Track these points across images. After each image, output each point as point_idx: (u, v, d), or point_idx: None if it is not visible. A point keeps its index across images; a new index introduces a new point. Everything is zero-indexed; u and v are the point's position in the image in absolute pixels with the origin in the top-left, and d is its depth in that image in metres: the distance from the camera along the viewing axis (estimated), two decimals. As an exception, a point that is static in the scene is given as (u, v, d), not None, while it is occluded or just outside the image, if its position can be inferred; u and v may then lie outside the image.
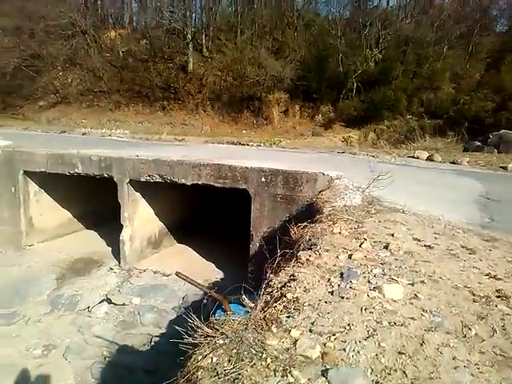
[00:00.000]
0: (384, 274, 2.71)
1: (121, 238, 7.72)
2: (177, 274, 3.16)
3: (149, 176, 7.42)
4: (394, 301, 2.34)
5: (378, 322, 2.09)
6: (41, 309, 6.36)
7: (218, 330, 2.52)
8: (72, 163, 7.99)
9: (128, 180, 7.60)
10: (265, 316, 2.62)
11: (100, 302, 6.48)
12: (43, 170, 8.25)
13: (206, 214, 9.62)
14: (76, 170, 7.99)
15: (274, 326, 2.42)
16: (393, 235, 3.49)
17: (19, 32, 29.86)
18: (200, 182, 7.00)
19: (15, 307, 6.42)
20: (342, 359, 1.81)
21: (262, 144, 13.53)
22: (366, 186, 4.81)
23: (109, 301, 6.53)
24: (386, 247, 3.23)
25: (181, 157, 7.70)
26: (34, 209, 8.69)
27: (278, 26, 24.09)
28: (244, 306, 2.92)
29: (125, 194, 7.64)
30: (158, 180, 7.41)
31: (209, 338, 2.49)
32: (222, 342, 2.42)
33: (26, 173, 8.50)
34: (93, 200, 9.24)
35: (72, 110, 25.59)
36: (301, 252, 3.74)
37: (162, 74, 24.65)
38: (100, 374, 4.98)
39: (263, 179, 6.40)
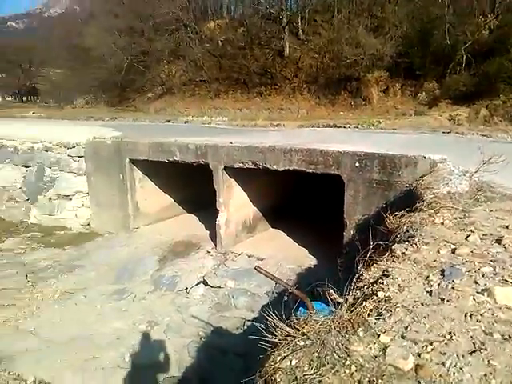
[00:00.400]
0: (495, 274, 2.30)
1: (217, 222, 7.95)
2: (256, 268, 3.06)
3: (242, 163, 7.48)
4: (509, 308, 1.96)
5: (487, 334, 1.75)
6: (145, 287, 6.82)
7: (298, 330, 2.37)
8: (171, 151, 8.38)
9: (223, 167, 7.75)
10: (351, 317, 2.40)
11: (197, 284, 6.75)
12: (146, 158, 8.79)
13: (299, 199, 9.48)
14: (174, 158, 8.37)
15: (360, 329, 2.19)
16: (507, 227, 2.98)
17: (131, 31, 32.37)
18: (291, 168, 6.87)
19: (125, 284, 6.97)
20: (440, 375, 1.53)
21: (359, 126, 12.91)
22: (475, 169, 4.22)
23: (205, 283, 6.76)
24: (499, 241, 2.76)
25: (274, 142, 7.63)
26: (140, 194, 9.35)
27: (378, 1, 22.64)
28: (328, 304, 2.73)
29: (220, 181, 7.81)
30: (250, 166, 7.44)
31: (289, 338, 2.35)
32: (302, 343, 2.26)
33: (131, 161, 9.14)
34: (192, 186, 9.65)
35: (176, 100, 27.10)
36: (396, 244, 3.41)
37: (258, 60, 24.81)
38: (195, 353, 5.17)
39: (357, 164, 6.04)
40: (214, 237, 8.15)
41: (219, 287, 6.61)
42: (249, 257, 7.53)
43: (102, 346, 5.27)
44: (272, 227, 9.05)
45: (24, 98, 69.27)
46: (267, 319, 2.52)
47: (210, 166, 7.90)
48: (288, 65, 23.47)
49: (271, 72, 23.76)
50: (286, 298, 2.82)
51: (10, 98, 75.32)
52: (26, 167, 10.90)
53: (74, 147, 10.04)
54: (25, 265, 7.77)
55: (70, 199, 10.07)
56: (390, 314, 2.14)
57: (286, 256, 7.37)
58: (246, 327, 5.57)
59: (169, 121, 19.58)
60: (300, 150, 6.78)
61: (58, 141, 10.42)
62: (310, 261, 7.24)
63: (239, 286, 6.53)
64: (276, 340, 2.41)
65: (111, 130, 11.46)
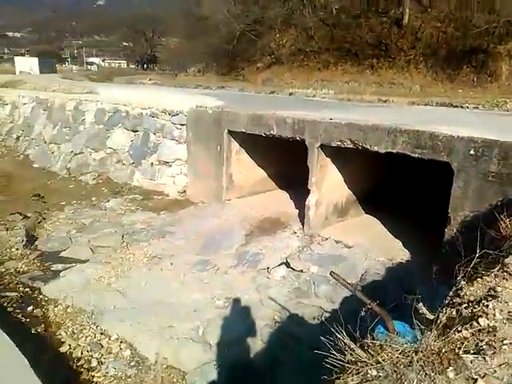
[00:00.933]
0: None
1: (307, 202, 7.59)
2: (331, 273, 2.66)
3: (340, 141, 6.95)
4: None
5: None
6: (229, 261, 6.81)
7: (372, 356, 1.97)
8: (268, 125, 8.13)
9: (319, 144, 7.31)
10: (441, 349, 1.92)
11: (279, 265, 6.54)
12: (244, 130, 8.68)
13: (398, 185, 8.65)
14: (271, 132, 8.12)
15: (451, 368, 1.74)
16: None
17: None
18: (394, 151, 6.18)
19: (210, 256, 7.04)
20: None
21: (480, 106, 11.33)
22: None
23: (287, 264, 6.53)
24: None
25: (378, 120, 6.95)
26: (235, 167, 9.33)
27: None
28: (412, 326, 2.26)
29: (314, 159, 7.39)
30: (349, 146, 6.89)
31: (359, 364, 1.97)
32: (375, 373, 1.87)
33: (229, 132, 9.10)
34: (286, 162, 9.37)
35: (284, 71, 26.70)
36: (511, 257, 2.79)
37: (373, 29, 23.14)
38: (268, 337, 5.00)
39: (472, 152, 5.18)
40: (302, 217, 7.83)
41: (301, 271, 6.33)
42: (336, 242, 7.09)
43: (179, 315, 5.37)
44: (365, 213, 8.43)
45: (145, 66, 74.57)
46: (337, 332, 2.18)
47: (306, 143, 7.50)
48: (405, 35, 21.51)
49: (386, 43, 22.03)
50: (362, 313, 2.39)
51: (134, 66, 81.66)
52: (134, 132, 11.56)
53: (178, 115, 10.33)
54: (123, 226, 8.29)
55: (170, 166, 10.48)
56: (494, 353, 1.67)
57: (377, 246, 6.78)
58: (323, 319, 5.23)
59: (273, 92, 19.35)
60: (406, 132, 6.06)
61: (163, 107, 10.82)
62: (402, 255, 6.57)
63: (322, 272, 6.16)
64: (345, 362, 2.06)
65: (215, 100, 11.59)
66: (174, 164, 10.42)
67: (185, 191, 10.12)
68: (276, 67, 28.09)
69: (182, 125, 10.24)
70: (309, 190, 7.56)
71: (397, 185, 8.61)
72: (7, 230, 8.20)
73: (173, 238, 7.65)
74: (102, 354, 4.91)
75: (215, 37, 32.43)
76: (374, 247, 6.74)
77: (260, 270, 6.51)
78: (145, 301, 5.77)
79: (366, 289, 5.62)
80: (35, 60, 61.17)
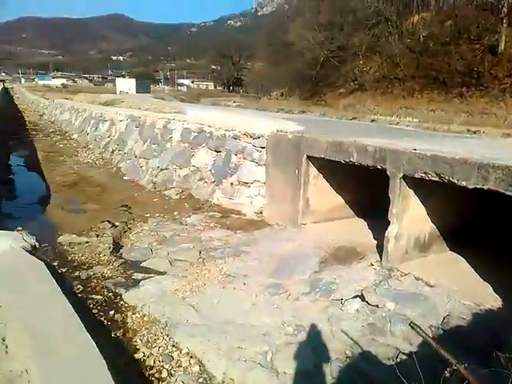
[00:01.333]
0: None
1: (386, 234, 7.32)
2: (411, 324, 2.52)
3: (424, 173, 6.65)
4: None
5: None
6: (301, 288, 6.72)
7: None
8: (348, 152, 8.04)
9: (401, 175, 7.05)
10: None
11: (353, 297, 6.32)
12: (322, 156, 8.66)
13: (489, 221, 8.02)
14: (351, 159, 8.01)
15: None
16: None
17: (331, 27, 32.84)
18: (485, 187, 5.77)
19: (282, 280, 7.01)
20: None
21: None
22: None
23: (362, 298, 6.29)
24: None
25: (467, 153, 6.56)
26: (312, 191, 9.31)
27: None
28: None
29: (396, 189, 7.14)
30: (434, 178, 6.56)
31: None
32: None
33: (308, 157, 9.14)
34: (364, 189, 9.17)
35: (366, 97, 26.44)
36: None
37: (464, 57, 22.14)
38: (338, 373, 4.82)
39: None
40: (380, 249, 7.54)
41: (377, 306, 6.06)
42: (416, 279, 6.70)
43: (248, 337, 5.37)
44: (450, 250, 7.90)
45: (231, 88, 77.88)
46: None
47: (388, 173, 7.28)
48: (501, 62, 20.28)
49: (477, 71, 20.92)
50: (446, 374, 2.20)
51: (220, 88, 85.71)
52: (217, 152, 12.04)
53: (259, 138, 10.60)
54: (201, 241, 8.57)
55: (249, 187, 10.73)
56: None
57: (462, 287, 6.30)
58: (398, 360, 4.94)
59: (355, 118, 19.19)
60: (500, 167, 5.64)
61: (245, 130, 11.17)
62: (493, 300, 6.03)
63: (400, 310, 5.85)
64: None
65: (295, 124, 11.74)
66: (252, 185, 10.66)
67: (261, 212, 10.26)
68: (358, 93, 27.89)
69: (262, 148, 10.47)
70: (388, 221, 7.29)
71: (488, 221, 8.01)
72: (97, 236, 8.89)
73: (247, 258, 7.76)
74: (173, 366, 5.03)
75: (299, 62, 33.08)
76: (459, 288, 6.27)
77: (333, 301, 6.34)
78: (216, 318, 5.86)
79: (449, 334, 5.23)
80: (133, 81, 67.16)
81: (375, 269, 7.19)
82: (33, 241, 7.90)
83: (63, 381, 3.95)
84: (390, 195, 7.22)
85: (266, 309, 6.13)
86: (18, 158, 19.47)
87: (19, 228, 8.54)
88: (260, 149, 10.55)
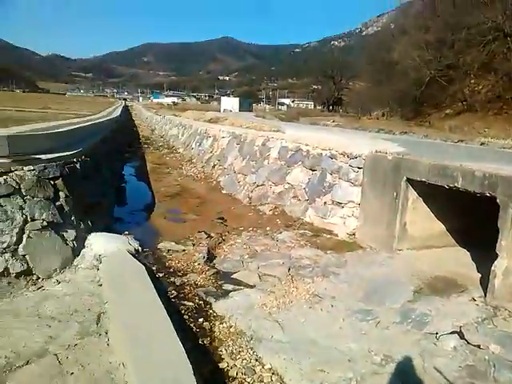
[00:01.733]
0: None
1: (493, 268, 6.65)
2: None
3: (542, 203, 5.96)
4: None
5: None
6: (391, 316, 6.38)
7: None
8: (453, 176, 7.52)
9: (514, 204, 6.40)
10: None
11: (450, 333, 5.83)
12: (424, 179, 8.21)
13: None
14: (455, 184, 7.48)
15: None
16: None
17: (440, 45, 31.20)
18: None
19: (371, 306, 6.73)
20: None
21: None
22: None
23: (461, 335, 5.77)
24: None
25: None
26: (410, 216, 8.84)
27: None
28: None
29: (507, 220, 6.48)
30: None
31: None
32: None
33: (408, 180, 8.73)
34: (467, 216, 8.49)
35: (475, 119, 24.50)
36: None
37: None
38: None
39: None
40: (485, 284, 6.86)
41: (478, 347, 5.51)
42: (528, 321, 5.98)
43: (332, 361, 5.24)
44: None
45: (330, 107, 77.65)
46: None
47: (497, 201, 6.66)
48: None
49: None
50: None
51: (320, 107, 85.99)
52: (313, 171, 12.06)
53: (356, 158, 10.42)
54: (290, 259, 8.62)
55: (342, 207, 10.54)
56: None
57: None
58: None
59: (462, 141, 17.86)
60: None
61: (342, 150, 11.06)
62: None
63: (506, 355, 5.25)
64: None
65: (396, 145, 11.31)
66: (346, 206, 10.46)
67: (354, 234, 10.00)
68: (467, 114, 26.00)
69: (359, 168, 10.26)
70: (496, 254, 6.63)
71: None
72: (193, 245, 9.41)
73: (336, 280, 7.60)
74: (254, 380, 5.08)
75: (402, 82, 31.92)
76: None
77: (426, 334, 5.91)
78: (301, 338, 5.81)
79: None
80: (236, 100, 70.86)
81: (477, 305, 6.56)
82: (137, 245, 8.63)
83: (153, 379, 4.23)
84: (499, 225, 6.57)
85: (352, 334, 5.93)
86: (130, 168, 21.53)
87: (126, 232, 9.39)
88: (357, 169, 10.34)
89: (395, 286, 7.30)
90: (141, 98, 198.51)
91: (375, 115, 39.70)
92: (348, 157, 10.72)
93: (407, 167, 8.70)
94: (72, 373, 4.65)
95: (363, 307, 6.68)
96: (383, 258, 8.63)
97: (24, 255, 6.81)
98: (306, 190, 11.97)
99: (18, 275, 6.66)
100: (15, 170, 7.32)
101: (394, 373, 5.12)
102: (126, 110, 73.35)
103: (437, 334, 5.87)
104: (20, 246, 6.82)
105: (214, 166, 19.20)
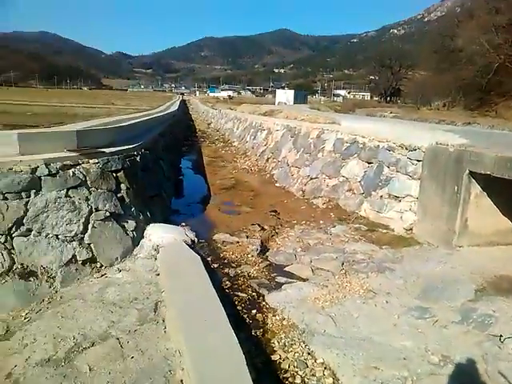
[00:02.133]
0: None
1: None
2: None
3: None
4: None
5: None
6: (450, 315, 6.11)
7: None
8: (522, 169, 7.02)
9: None
10: None
11: (517, 336, 5.48)
12: (488, 172, 7.73)
13: None
14: (525, 178, 6.98)
15: None
16: None
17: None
18: None
19: (429, 304, 6.49)
20: None
21: None
22: None
23: (528, 339, 5.41)
24: None
25: None
26: (472, 211, 8.37)
27: None
28: None
29: None
30: None
31: None
32: None
33: (471, 173, 8.26)
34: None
35: (551, 108, 22.59)
36: None
37: None
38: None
39: None
40: (557, 285, 6.39)
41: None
42: None
43: (386, 358, 5.11)
44: None
45: (388, 98, 75.00)
46: None
47: None
48: None
49: None
50: None
51: (377, 98, 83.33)
52: (369, 163, 11.77)
53: (415, 150, 10.02)
54: (344, 253, 8.48)
55: (399, 201, 10.20)
56: None
57: None
58: None
59: (534, 131, 16.60)
60: None
61: (401, 142, 10.67)
62: None
63: None
64: None
65: (457, 137, 10.73)
66: (403, 199, 10.11)
67: (411, 229, 9.64)
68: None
69: (418, 161, 9.86)
70: None
71: None
72: (247, 237, 9.53)
73: (392, 276, 7.39)
74: (306, 374, 5.08)
75: (467, 70, 30.06)
76: None
77: (489, 336, 5.60)
78: (354, 333, 5.73)
79: None
80: (291, 92, 70.49)
81: (548, 308, 6.11)
82: (193, 236, 8.89)
83: (208, 367, 4.35)
84: None
85: (408, 331, 5.75)
86: (187, 162, 22.14)
87: (183, 224, 9.70)
88: (415, 162, 9.94)
89: (455, 284, 6.97)
90: (197, 92, 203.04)
91: (435, 106, 37.82)
92: (406, 149, 10.33)
93: (470, 160, 8.23)
94: (132, 356, 4.92)
95: (420, 304, 6.45)
96: (442, 254, 8.26)
97: (89, 244, 7.25)
98: (362, 183, 11.70)
99: (84, 262, 7.11)
100: (82, 163, 7.79)
101: (452, 375, 4.91)
102: (183, 105, 75.34)
103: (501, 336, 5.54)
104: (86, 234, 7.27)
105: (267, 159, 19.28)
